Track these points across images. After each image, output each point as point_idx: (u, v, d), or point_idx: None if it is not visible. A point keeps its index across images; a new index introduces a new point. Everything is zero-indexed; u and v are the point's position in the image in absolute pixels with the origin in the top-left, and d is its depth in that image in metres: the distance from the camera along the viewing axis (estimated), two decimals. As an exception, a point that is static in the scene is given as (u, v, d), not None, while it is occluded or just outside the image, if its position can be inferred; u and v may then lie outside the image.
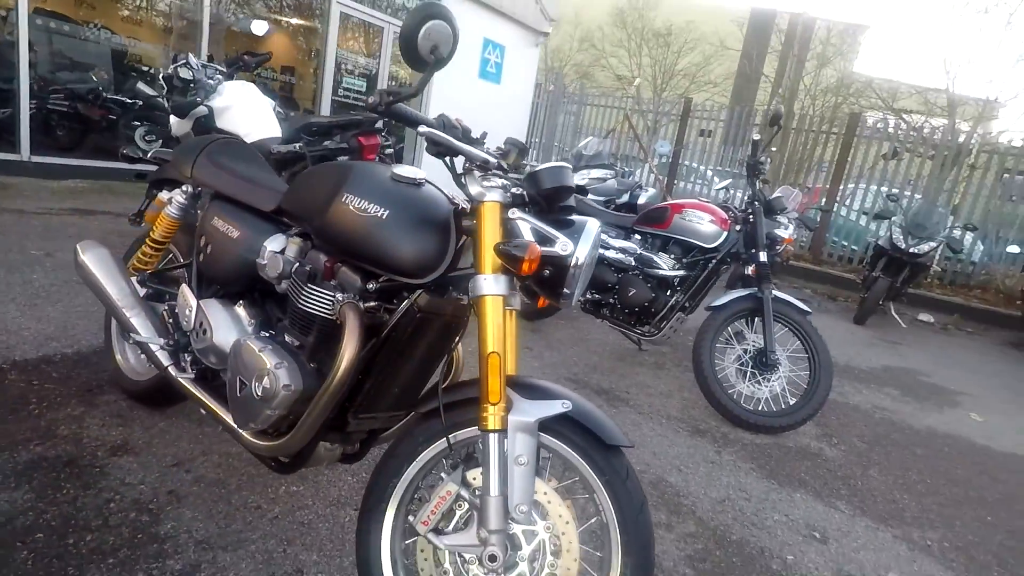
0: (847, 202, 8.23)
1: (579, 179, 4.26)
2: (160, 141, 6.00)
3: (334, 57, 7.14)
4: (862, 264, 7.20)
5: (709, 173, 9.34)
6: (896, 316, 5.95)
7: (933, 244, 5.53)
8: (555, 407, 1.15)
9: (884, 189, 7.64)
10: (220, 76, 3.68)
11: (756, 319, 2.94)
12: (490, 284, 1.16)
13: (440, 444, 1.22)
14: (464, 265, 1.33)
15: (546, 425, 1.14)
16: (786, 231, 3.10)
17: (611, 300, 3.22)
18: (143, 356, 2.03)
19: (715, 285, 3.16)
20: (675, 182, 9.42)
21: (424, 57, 1.08)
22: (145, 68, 6.33)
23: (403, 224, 1.26)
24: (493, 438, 1.11)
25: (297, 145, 3.02)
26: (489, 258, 1.16)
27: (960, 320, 6.33)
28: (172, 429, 1.88)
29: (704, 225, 3.08)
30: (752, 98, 15.02)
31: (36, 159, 5.11)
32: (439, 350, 1.40)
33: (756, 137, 3.03)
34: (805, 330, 2.83)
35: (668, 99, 12.31)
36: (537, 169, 1.25)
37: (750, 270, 3.06)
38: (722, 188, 3.57)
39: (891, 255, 5.59)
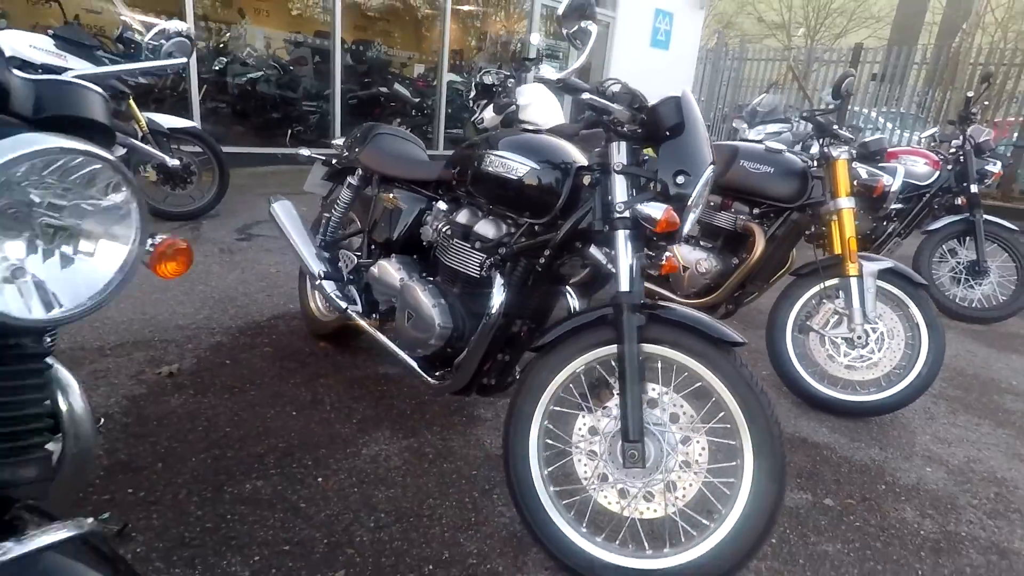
0: (1045, 134, 8.02)
1: (755, 135, 4.92)
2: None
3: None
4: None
5: (882, 120, 9.41)
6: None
7: None
8: (886, 264, 2.19)
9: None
10: (511, 80, 5.00)
11: (967, 238, 3.69)
12: (847, 202, 2.21)
13: (814, 289, 2.31)
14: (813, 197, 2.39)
15: (880, 273, 2.19)
16: (995, 166, 3.76)
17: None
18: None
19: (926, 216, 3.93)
20: (843, 129, 9.57)
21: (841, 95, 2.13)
22: (394, 72, 7.91)
23: (780, 175, 2.36)
24: (854, 280, 2.18)
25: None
26: (843, 188, 2.22)
27: None
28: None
29: (919, 167, 3.86)
30: (916, 35, 14.15)
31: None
32: (791, 246, 2.49)
33: (969, 94, 3.72)
34: (1012, 244, 3.56)
35: (825, 43, 12.15)
36: (867, 140, 2.27)
37: (959, 201, 3.78)
38: (928, 136, 4.25)
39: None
